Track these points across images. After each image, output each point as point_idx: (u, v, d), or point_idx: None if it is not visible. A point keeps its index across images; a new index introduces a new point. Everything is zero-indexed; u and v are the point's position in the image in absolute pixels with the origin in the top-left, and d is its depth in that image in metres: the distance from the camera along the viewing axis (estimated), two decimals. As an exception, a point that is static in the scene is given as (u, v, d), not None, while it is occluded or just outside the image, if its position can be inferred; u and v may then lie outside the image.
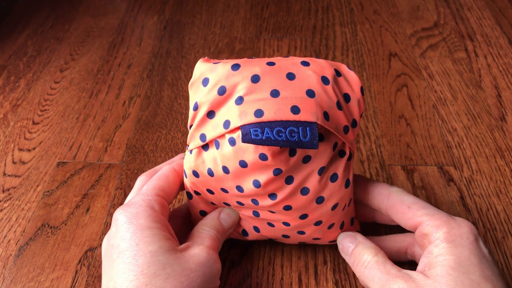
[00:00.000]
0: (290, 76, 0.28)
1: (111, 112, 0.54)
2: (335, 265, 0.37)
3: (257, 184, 0.29)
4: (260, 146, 0.27)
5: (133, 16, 0.71)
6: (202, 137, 0.30)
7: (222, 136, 0.28)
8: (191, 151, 0.31)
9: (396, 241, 0.33)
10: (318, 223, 0.32)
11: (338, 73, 0.30)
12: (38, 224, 0.43)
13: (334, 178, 0.30)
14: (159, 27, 0.68)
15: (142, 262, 0.26)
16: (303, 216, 0.31)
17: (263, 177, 0.28)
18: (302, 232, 0.33)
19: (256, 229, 0.35)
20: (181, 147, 0.50)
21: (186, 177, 0.33)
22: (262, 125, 0.26)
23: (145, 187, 0.32)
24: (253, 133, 0.26)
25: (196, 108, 0.30)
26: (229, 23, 0.69)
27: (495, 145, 0.49)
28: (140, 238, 0.27)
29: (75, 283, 0.38)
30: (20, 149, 0.50)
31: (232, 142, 0.28)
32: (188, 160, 0.32)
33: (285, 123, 0.26)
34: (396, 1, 0.72)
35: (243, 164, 0.28)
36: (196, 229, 0.33)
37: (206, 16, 0.70)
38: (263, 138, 0.26)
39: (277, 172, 0.28)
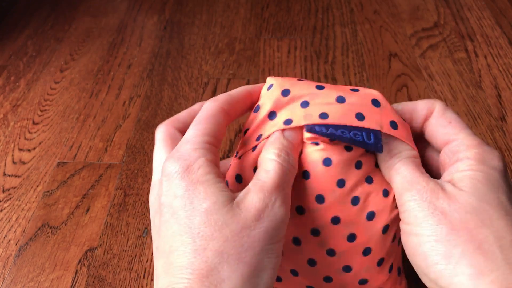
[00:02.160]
0: (354, 89, 0.28)
1: (111, 112, 0.54)
2: None
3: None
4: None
5: (133, 16, 0.71)
6: (258, 138, 0.28)
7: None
8: (239, 157, 0.28)
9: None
10: (367, 251, 0.28)
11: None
12: (38, 224, 0.43)
13: (385, 193, 0.28)
14: (159, 27, 0.68)
15: (197, 222, 0.23)
16: (351, 237, 0.28)
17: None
18: (348, 269, 0.29)
19: (294, 272, 0.30)
20: (181, 147, 0.50)
21: (228, 185, 0.29)
22: (326, 126, 0.26)
23: (192, 131, 0.26)
24: (318, 128, 0.26)
25: (257, 109, 0.28)
26: (229, 23, 0.69)
27: (495, 145, 0.49)
28: (194, 194, 0.23)
29: (75, 283, 0.38)
30: (20, 149, 0.50)
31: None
32: (233, 166, 0.29)
33: (349, 128, 0.26)
34: (396, 1, 0.72)
35: None
36: (260, 160, 0.26)
37: (206, 16, 0.70)
38: (328, 132, 0.25)
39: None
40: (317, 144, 0.27)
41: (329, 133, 0.25)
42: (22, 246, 0.41)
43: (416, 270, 0.25)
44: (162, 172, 0.25)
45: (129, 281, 0.39)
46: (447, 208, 0.23)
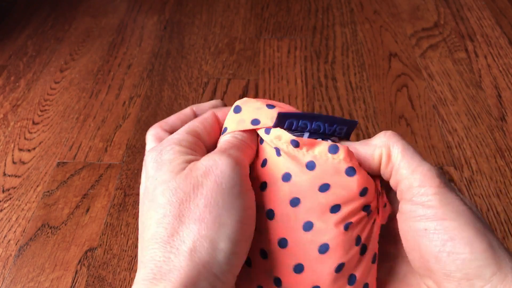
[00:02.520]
0: None
1: (111, 112, 0.54)
2: None
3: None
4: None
5: (133, 16, 0.71)
6: (224, 130, 0.27)
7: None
8: None
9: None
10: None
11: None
12: (38, 224, 0.43)
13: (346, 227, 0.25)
14: (159, 27, 0.68)
15: (158, 193, 0.24)
16: (297, 268, 0.25)
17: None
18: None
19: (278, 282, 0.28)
20: (181, 147, 0.50)
21: None
22: (298, 115, 0.25)
23: (175, 133, 0.27)
24: (289, 119, 0.25)
25: (224, 131, 0.28)
26: (229, 23, 0.69)
27: (495, 145, 0.49)
28: (160, 171, 0.24)
29: (75, 283, 0.38)
30: (20, 149, 0.50)
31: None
32: None
33: (323, 118, 0.25)
34: (396, 1, 0.72)
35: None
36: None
37: (206, 16, 0.70)
38: (299, 124, 0.25)
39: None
40: (278, 153, 0.25)
41: (301, 124, 0.25)
42: (22, 246, 0.41)
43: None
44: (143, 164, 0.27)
45: (129, 281, 0.39)
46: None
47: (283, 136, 0.25)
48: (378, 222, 0.26)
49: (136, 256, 0.40)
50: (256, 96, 0.56)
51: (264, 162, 0.26)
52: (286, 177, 0.25)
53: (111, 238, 0.41)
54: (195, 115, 0.30)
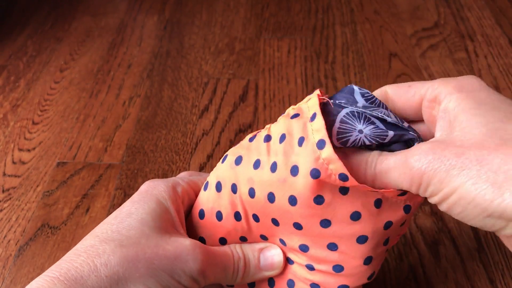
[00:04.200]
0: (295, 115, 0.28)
1: (111, 112, 0.54)
2: None
3: None
4: None
5: (133, 16, 0.71)
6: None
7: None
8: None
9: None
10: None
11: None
12: (38, 224, 0.43)
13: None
14: (159, 27, 0.68)
15: (120, 219, 0.27)
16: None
17: None
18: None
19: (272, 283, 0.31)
20: (181, 147, 0.50)
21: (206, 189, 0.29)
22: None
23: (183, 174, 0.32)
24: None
25: (206, 186, 0.29)
26: (229, 23, 0.69)
27: (495, 145, 0.49)
28: (140, 204, 0.27)
29: (75, 284, 0.38)
30: (20, 149, 0.50)
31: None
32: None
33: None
34: (396, 1, 0.72)
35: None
36: (227, 245, 0.29)
37: (206, 16, 0.70)
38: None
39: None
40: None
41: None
42: (22, 246, 0.41)
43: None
44: None
45: (129, 281, 0.39)
46: (460, 151, 0.21)
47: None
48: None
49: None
50: (256, 96, 0.56)
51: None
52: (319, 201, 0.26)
53: (111, 238, 0.41)
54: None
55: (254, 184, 0.26)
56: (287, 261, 0.29)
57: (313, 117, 0.25)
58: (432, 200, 0.23)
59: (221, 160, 0.28)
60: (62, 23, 0.70)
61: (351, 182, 0.23)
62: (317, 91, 0.26)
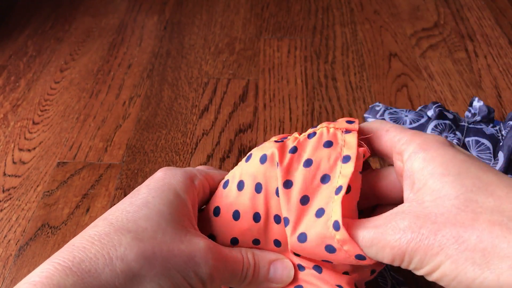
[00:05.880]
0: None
1: (111, 112, 0.54)
2: None
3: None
4: None
5: (133, 16, 0.71)
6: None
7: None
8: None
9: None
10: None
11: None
12: (38, 224, 0.43)
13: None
14: (159, 27, 0.68)
15: (138, 205, 0.26)
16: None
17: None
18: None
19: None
20: (181, 147, 0.50)
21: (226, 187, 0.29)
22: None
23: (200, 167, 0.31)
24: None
25: (226, 184, 0.30)
26: (229, 23, 0.69)
27: (495, 145, 0.49)
28: (157, 193, 0.26)
29: (75, 283, 0.38)
30: (20, 149, 0.50)
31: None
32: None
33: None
34: (396, 1, 0.72)
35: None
36: (237, 248, 0.29)
37: (206, 16, 0.70)
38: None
39: None
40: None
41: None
42: (22, 246, 0.41)
43: None
44: None
45: (129, 281, 0.39)
46: (436, 228, 0.22)
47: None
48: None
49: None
50: (256, 96, 0.56)
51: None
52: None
53: (111, 238, 0.41)
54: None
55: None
56: (298, 268, 0.29)
57: (346, 159, 0.25)
58: (417, 273, 0.24)
59: (244, 159, 0.28)
60: (62, 23, 0.70)
61: (368, 261, 0.24)
62: (356, 125, 0.27)
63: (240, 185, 0.28)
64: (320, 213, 0.25)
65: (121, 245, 0.23)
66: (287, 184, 0.26)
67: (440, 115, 0.41)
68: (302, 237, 0.25)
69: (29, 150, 0.50)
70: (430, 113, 0.43)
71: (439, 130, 0.40)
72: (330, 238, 0.24)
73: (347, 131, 0.27)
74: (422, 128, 0.41)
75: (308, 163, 0.26)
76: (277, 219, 0.27)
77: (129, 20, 0.70)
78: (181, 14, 0.71)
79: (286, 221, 0.26)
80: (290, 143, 0.27)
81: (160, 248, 0.24)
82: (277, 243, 0.28)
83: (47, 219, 0.43)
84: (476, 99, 0.44)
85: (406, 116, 0.43)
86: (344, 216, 0.24)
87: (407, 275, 0.34)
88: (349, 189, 0.25)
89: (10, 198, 0.45)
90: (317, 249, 0.25)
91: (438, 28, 0.66)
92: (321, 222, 0.24)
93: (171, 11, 0.72)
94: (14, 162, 0.49)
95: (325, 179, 0.25)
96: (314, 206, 0.25)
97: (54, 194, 0.45)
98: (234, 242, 0.29)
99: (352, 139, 0.26)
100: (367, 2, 0.72)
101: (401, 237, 0.23)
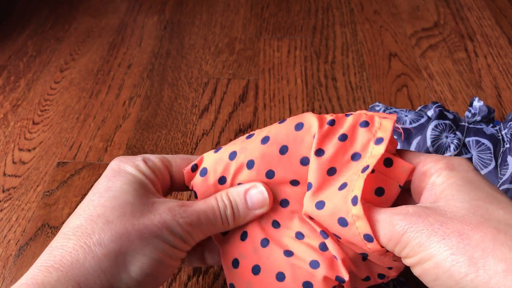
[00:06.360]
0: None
1: (111, 112, 0.54)
2: None
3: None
4: None
5: (133, 16, 0.71)
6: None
7: None
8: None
9: None
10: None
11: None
12: (38, 224, 0.43)
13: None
14: (159, 27, 0.68)
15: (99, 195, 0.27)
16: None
17: None
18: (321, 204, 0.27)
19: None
20: (181, 147, 0.50)
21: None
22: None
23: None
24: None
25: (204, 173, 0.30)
26: (229, 23, 0.69)
27: (495, 145, 0.49)
28: (117, 178, 0.28)
29: (75, 283, 0.38)
30: (20, 149, 0.50)
31: None
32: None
33: None
34: (396, 1, 0.72)
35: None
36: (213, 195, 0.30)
37: (206, 16, 0.70)
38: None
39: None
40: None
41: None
42: (22, 246, 0.41)
43: None
44: None
45: (129, 281, 0.39)
46: (443, 220, 0.23)
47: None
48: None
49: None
50: (256, 96, 0.56)
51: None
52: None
53: (111, 238, 0.41)
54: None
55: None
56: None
57: (378, 141, 0.26)
58: (407, 262, 0.24)
59: (245, 136, 0.30)
60: (62, 23, 0.70)
61: (373, 247, 0.24)
62: (394, 116, 0.28)
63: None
64: (342, 186, 0.26)
65: (94, 232, 0.25)
66: (319, 152, 0.27)
67: (440, 115, 0.41)
68: (320, 205, 0.26)
69: (29, 150, 0.50)
70: (430, 113, 0.43)
71: (439, 130, 0.40)
72: (346, 212, 0.25)
73: (385, 118, 0.28)
74: (422, 128, 0.41)
75: (344, 137, 0.27)
76: (295, 183, 0.28)
77: (129, 20, 0.70)
78: (181, 14, 0.71)
79: (309, 186, 0.27)
80: (329, 116, 0.28)
81: (132, 223, 0.25)
82: (285, 202, 0.29)
83: (47, 219, 0.43)
84: (476, 99, 0.44)
85: (406, 116, 0.43)
86: (364, 195, 0.25)
87: (408, 275, 0.34)
88: (373, 170, 0.26)
89: (10, 198, 0.45)
90: (330, 219, 0.25)
91: (438, 28, 0.66)
92: (341, 195, 0.25)
93: (171, 11, 0.72)
94: (14, 162, 0.49)
95: (355, 156, 0.26)
96: (339, 180, 0.26)
97: (54, 194, 0.45)
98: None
99: (388, 123, 0.27)
100: (367, 2, 0.72)
101: (406, 217, 0.23)
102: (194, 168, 0.30)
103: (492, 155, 0.39)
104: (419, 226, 0.23)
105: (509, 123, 0.39)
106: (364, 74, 0.59)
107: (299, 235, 0.28)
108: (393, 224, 0.24)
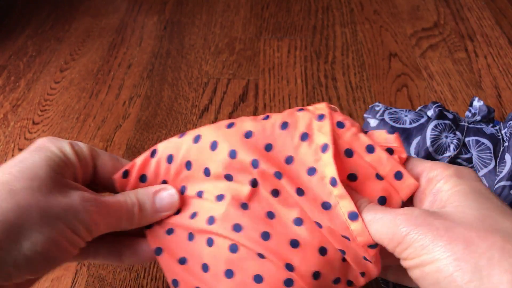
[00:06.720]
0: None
1: (111, 112, 0.54)
2: None
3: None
4: None
5: (133, 16, 0.71)
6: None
7: None
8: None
9: None
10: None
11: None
12: (38, 224, 0.43)
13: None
14: (159, 27, 0.68)
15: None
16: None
17: None
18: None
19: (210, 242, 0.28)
20: (181, 147, 0.50)
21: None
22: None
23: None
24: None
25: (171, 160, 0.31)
26: (229, 23, 0.69)
27: (495, 145, 0.49)
28: (36, 152, 0.27)
29: (75, 284, 0.38)
30: (20, 149, 0.50)
31: None
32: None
33: None
34: (396, 1, 0.72)
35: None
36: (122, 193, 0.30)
37: (206, 16, 0.70)
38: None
39: None
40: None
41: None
42: (22, 246, 0.41)
43: None
44: None
45: (129, 281, 0.39)
46: (450, 225, 0.22)
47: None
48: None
49: (136, 256, 0.40)
50: (256, 96, 0.56)
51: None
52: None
53: (111, 238, 0.41)
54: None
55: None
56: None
57: (320, 117, 0.27)
58: (406, 264, 0.24)
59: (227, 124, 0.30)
60: (62, 23, 0.70)
61: (358, 228, 0.24)
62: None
63: (214, 146, 0.29)
64: (312, 171, 0.26)
65: None
66: (268, 147, 0.27)
67: (440, 115, 0.41)
68: (300, 192, 0.26)
69: (29, 150, 0.50)
70: (430, 113, 0.43)
71: (439, 130, 0.40)
72: (327, 194, 0.25)
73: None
74: (422, 128, 0.41)
75: (285, 125, 0.27)
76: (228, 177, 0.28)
77: (129, 20, 0.70)
78: (181, 14, 0.71)
79: (278, 175, 0.26)
80: (262, 116, 0.28)
81: (36, 199, 0.25)
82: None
83: (47, 219, 0.43)
84: (476, 99, 0.44)
85: (406, 116, 0.43)
86: (340, 178, 0.24)
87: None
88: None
89: (10, 198, 0.45)
90: (313, 204, 0.25)
91: (438, 28, 0.66)
92: (315, 180, 0.25)
93: (171, 11, 0.72)
94: (14, 162, 0.49)
95: (304, 137, 0.26)
96: (300, 164, 0.26)
97: (54, 194, 0.45)
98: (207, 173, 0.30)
99: (321, 104, 0.27)
100: (367, 2, 0.72)
101: (411, 218, 0.23)
102: (126, 175, 0.30)
103: (492, 155, 0.39)
104: (424, 229, 0.22)
105: (509, 122, 0.39)
106: (364, 74, 0.59)
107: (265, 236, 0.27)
108: (396, 224, 0.23)
